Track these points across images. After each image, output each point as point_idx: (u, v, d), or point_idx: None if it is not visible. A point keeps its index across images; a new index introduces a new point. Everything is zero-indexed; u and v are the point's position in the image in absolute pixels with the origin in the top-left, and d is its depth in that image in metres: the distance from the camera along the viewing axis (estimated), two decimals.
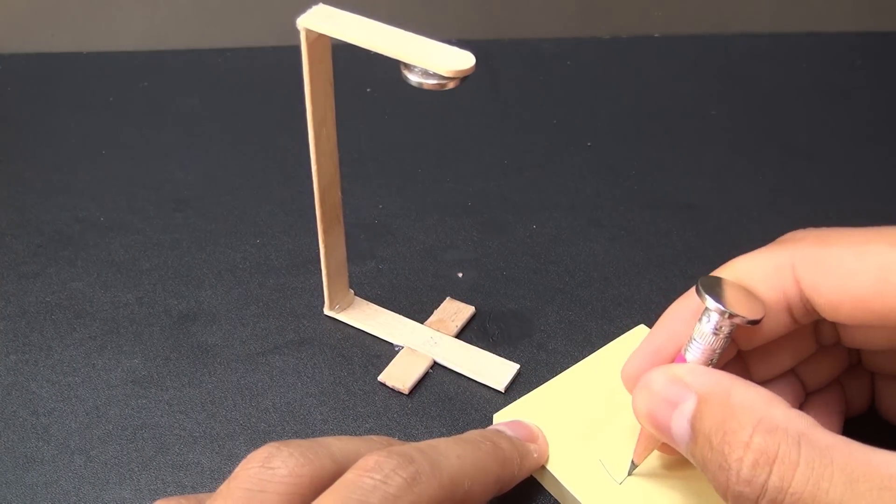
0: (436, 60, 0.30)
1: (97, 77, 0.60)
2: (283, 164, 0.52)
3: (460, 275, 0.45)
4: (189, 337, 0.41)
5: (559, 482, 0.33)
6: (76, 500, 0.35)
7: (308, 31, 0.32)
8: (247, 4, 0.65)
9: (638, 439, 0.32)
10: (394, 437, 0.36)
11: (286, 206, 0.49)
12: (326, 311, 0.42)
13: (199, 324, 0.42)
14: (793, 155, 0.54)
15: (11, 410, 0.38)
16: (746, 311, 0.29)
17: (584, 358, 0.38)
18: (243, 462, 0.27)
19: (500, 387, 0.39)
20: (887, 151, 0.54)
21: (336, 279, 0.41)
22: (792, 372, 0.34)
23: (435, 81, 0.31)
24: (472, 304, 0.43)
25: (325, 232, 0.39)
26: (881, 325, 0.28)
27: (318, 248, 0.39)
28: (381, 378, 0.39)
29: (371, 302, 0.43)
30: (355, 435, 0.34)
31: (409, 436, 0.37)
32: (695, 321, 0.30)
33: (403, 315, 0.42)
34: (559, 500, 0.34)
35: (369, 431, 0.37)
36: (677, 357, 0.30)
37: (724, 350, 0.29)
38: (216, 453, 0.36)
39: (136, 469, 0.36)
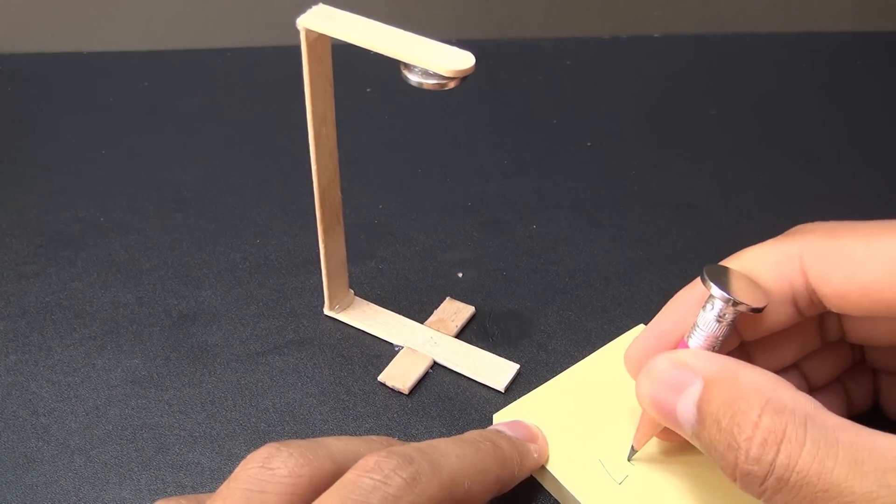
0: (436, 60, 0.30)
1: (97, 77, 0.60)
2: (283, 164, 0.52)
3: (460, 275, 0.45)
4: (189, 337, 0.41)
5: (559, 482, 0.33)
6: (76, 500, 0.35)
7: (308, 31, 0.32)
8: (247, 4, 0.65)
9: (638, 425, 0.33)
10: (394, 437, 0.36)
11: (286, 206, 0.49)
12: (326, 311, 0.42)
13: (199, 324, 0.42)
14: (793, 155, 0.54)
15: (11, 410, 0.38)
16: (749, 299, 0.29)
17: (584, 358, 0.38)
18: (243, 462, 0.27)
19: (500, 387, 0.39)
20: (887, 151, 0.54)
21: (336, 279, 0.41)
22: (795, 367, 0.34)
23: (435, 81, 0.31)
24: (472, 304, 0.43)
25: (325, 232, 0.39)
26: (888, 316, 0.28)
27: (318, 248, 0.39)
28: (381, 378, 0.39)
29: (371, 302, 0.43)
30: (355, 435, 0.34)
31: (409, 436, 0.37)
32: (699, 309, 0.30)
33: (403, 315, 0.42)
34: (559, 500, 0.34)
35: (369, 431, 0.37)
36: (680, 343, 0.30)
37: (726, 338, 0.30)
38: (216, 453, 0.36)
39: (136, 469, 0.36)
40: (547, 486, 0.34)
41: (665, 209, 0.49)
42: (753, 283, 0.30)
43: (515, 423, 0.34)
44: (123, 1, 0.64)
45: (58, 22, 0.64)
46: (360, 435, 0.34)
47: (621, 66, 0.62)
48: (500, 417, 0.36)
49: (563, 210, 0.49)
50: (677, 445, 0.34)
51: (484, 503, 0.30)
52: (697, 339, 0.30)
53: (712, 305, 0.29)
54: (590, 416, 0.35)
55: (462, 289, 0.44)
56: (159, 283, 0.44)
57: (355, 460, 0.27)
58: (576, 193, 0.50)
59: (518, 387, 0.39)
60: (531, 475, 0.34)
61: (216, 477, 0.35)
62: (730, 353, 0.31)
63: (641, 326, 0.39)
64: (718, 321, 0.29)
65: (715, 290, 0.29)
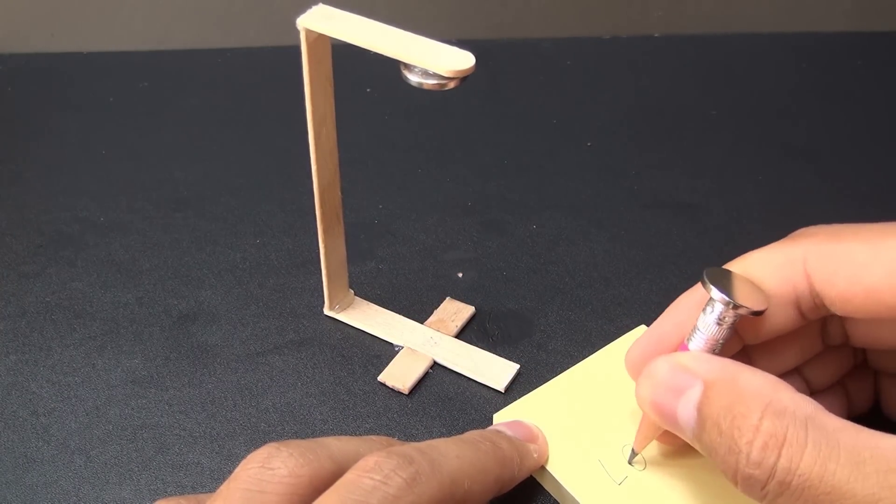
0: (436, 60, 0.30)
1: (97, 77, 0.60)
2: (283, 164, 0.52)
3: (460, 275, 0.45)
4: (189, 337, 0.41)
5: (559, 482, 0.33)
6: (76, 500, 0.35)
7: (308, 31, 0.32)
8: (247, 4, 0.65)
9: (639, 427, 0.32)
10: (394, 437, 0.36)
11: (286, 206, 0.49)
12: (326, 311, 0.42)
13: (199, 324, 0.42)
14: (793, 155, 0.54)
15: (11, 410, 0.38)
16: (750, 303, 0.29)
17: (584, 358, 0.38)
18: (243, 462, 0.27)
19: (500, 387, 0.39)
20: (887, 151, 0.54)
21: (336, 279, 0.41)
22: (797, 371, 0.34)
23: (435, 81, 0.31)
24: (472, 304, 0.43)
25: (325, 232, 0.39)
26: (892, 319, 0.28)
27: (318, 248, 0.39)
28: (381, 378, 0.39)
29: (371, 302, 0.43)
30: (355, 435, 0.34)
31: (409, 436, 0.37)
32: (700, 312, 0.30)
33: (403, 315, 0.42)
34: (559, 501, 0.34)
35: (369, 431, 0.37)
36: (680, 346, 0.30)
37: (726, 341, 0.30)
38: (216, 453, 0.36)
39: (136, 469, 0.36)
40: (547, 486, 0.34)
41: (665, 209, 0.49)
42: (754, 287, 0.30)
43: (515, 424, 0.34)
44: (123, 1, 0.64)
45: (58, 22, 0.64)
46: (360, 435, 0.34)
47: (621, 66, 0.62)
48: (500, 417, 0.36)
49: (563, 210, 0.49)
50: (676, 448, 0.34)
51: (484, 503, 0.30)
52: (697, 342, 0.30)
53: (712, 308, 0.29)
54: (590, 416, 0.35)
55: (462, 289, 0.44)
56: (159, 283, 0.44)
57: (355, 460, 0.27)
58: (576, 193, 0.50)
59: (518, 387, 0.39)
60: (531, 475, 0.34)
61: (216, 477, 0.35)
62: (732, 357, 0.31)
63: (643, 327, 0.39)
64: (718, 324, 0.29)
65: (715, 293, 0.29)
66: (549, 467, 0.33)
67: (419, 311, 0.42)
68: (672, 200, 0.50)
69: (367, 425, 0.37)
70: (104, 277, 0.45)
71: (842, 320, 0.32)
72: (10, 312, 0.43)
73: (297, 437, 0.34)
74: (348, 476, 0.27)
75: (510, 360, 0.40)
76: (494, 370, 0.39)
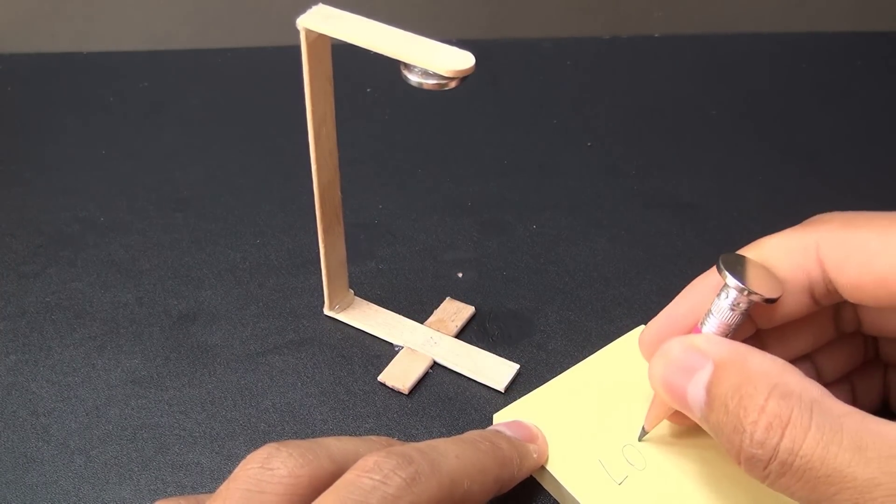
0: (436, 60, 0.30)
1: (97, 77, 0.60)
2: (283, 164, 0.52)
3: (460, 275, 0.45)
4: (189, 337, 0.41)
5: (559, 482, 0.33)
6: (76, 500, 0.35)
7: (308, 31, 0.32)
8: (247, 4, 0.65)
9: (650, 407, 0.33)
10: (394, 437, 0.36)
11: (286, 206, 0.49)
12: (326, 311, 0.42)
13: (199, 324, 0.42)
14: (793, 155, 0.54)
15: (11, 410, 0.38)
16: (764, 290, 0.29)
17: (584, 358, 0.38)
18: (242, 463, 0.27)
19: (500, 387, 0.39)
20: (887, 151, 0.54)
21: (336, 279, 0.41)
22: (808, 359, 0.34)
23: (435, 81, 0.31)
24: (472, 304, 0.43)
25: (325, 232, 0.39)
26: None
27: (318, 248, 0.39)
28: (380, 378, 0.39)
29: (371, 302, 0.43)
30: (355, 435, 0.34)
31: (408, 436, 0.37)
32: (714, 296, 0.30)
33: (403, 315, 0.42)
34: (559, 501, 0.34)
35: (369, 431, 0.37)
36: (694, 329, 0.31)
37: (739, 326, 0.30)
38: (216, 453, 0.36)
39: (136, 469, 0.36)
40: (547, 486, 0.34)
41: (665, 209, 0.49)
42: (769, 273, 0.30)
43: (515, 424, 0.34)
44: (123, 1, 0.64)
45: (58, 22, 0.64)
46: (360, 435, 0.34)
47: (621, 66, 0.62)
48: (500, 417, 0.36)
49: (563, 210, 0.49)
50: (677, 444, 0.34)
51: (483, 503, 0.30)
52: (711, 326, 0.30)
53: (726, 294, 0.30)
54: (590, 416, 0.35)
55: (462, 289, 0.44)
56: (159, 283, 0.44)
57: (355, 460, 0.27)
58: (576, 193, 0.50)
59: (518, 387, 0.39)
60: (531, 475, 0.34)
61: (216, 477, 0.35)
62: (744, 341, 0.32)
63: (643, 327, 0.39)
64: (732, 309, 0.29)
65: (730, 280, 0.29)
66: (549, 467, 0.33)
67: (419, 311, 0.42)
68: (672, 200, 0.50)
69: (367, 425, 0.37)
70: (104, 277, 0.45)
71: (855, 307, 0.32)
72: (10, 312, 0.43)
73: (296, 437, 0.34)
74: (348, 476, 0.27)
75: (510, 360, 0.40)
76: (494, 370, 0.39)
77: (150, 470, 0.36)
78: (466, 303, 0.43)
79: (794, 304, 0.31)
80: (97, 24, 0.65)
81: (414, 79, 0.31)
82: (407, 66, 0.31)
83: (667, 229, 0.48)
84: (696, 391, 0.28)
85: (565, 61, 0.62)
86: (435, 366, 0.40)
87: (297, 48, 0.33)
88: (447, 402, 0.38)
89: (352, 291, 0.43)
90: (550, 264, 0.46)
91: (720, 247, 0.46)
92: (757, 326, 0.32)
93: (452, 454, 0.29)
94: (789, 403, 0.25)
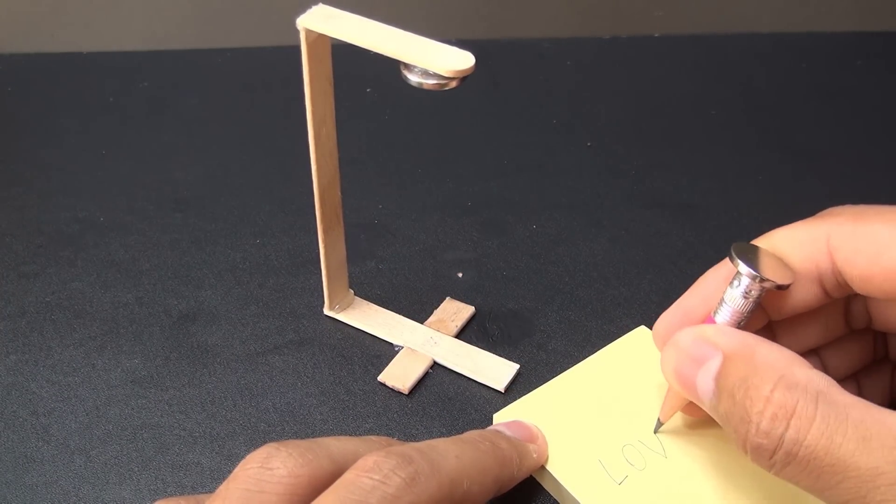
0: (436, 60, 0.30)
1: (97, 77, 0.60)
2: (283, 164, 0.52)
3: (460, 275, 0.45)
4: (189, 337, 0.41)
5: (558, 482, 0.33)
6: (76, 500, 0.35)
7: (308, 31, 0.32)
8: (247, 4, 0.65)
9: (665, 398, 0.33)
10: (393, 437, 0.36)
11: (286, 206, 0.49)
12: (326, 311, 0.42)
13: (199, 324, 0.42)
14: (793, 155, 0.54)
15: (11, 410, 0.38)
16: (775, 276, 0.29)
17: (584, 358, 0.38)
18: (242, 462, 0.27)
19: (500, 387, 0.39)
20: (887, 151, 0.54)
21: (336, 279, 0.41)
22: (817, 355, 0.34)
23: (435, 81, 0.31)
24: (472, 304, 0.43)
25: (325, 232, 0.39)
26: None
27: (318, 248, 0.39)
28: (381, 378, 0.39)
29: (371, 302, 0.43)
30: (355, 435, 0.34)
31: (408, 436, 0.37)
32: (726, 285, 0.30)
33: (403, 315, 0.42)
34: (559, 501, 0.34)
35: (369, 431, 0.37)
36: (707, 319, 0.31)
37: (751, 314, 0.30)
38: (216, 453, 0.36)
39: (136, 469, 0.36)
40: (547, 486, 0.34)
41: (665, 209, 0.49)
42: (780, 262, 0.30)
43: (515, 424, 0.34)
44: (123, 1, 0.64)
45: (58, 22, 0.64)
46: (360, 435, 0.34)
47: (621, 66, 0.62)
48: (500, 417, 0.36)
49: (563, 210, 0.49)
50: (676, 444, 0.34)
51: (483, 503, 0.30)
52: (724, 315, 0.30)
53: (739, 282, 0.30)
54: (590, 416, 0.35)
55: (462, 289, 0.44)
56: (159, 283, 0.44)
57: (354, 460, 0.27)
58: (576, 193, 0.50)
59: (518, 387, 0.39)
60: (531, 475, 0.34)
61: (216, 477, 0.35)
62: (756, 333, 0.32)
63: (643, 327, 0.39)
64: (745, 297, 0.30)
65: (742, 267, 0.29)
66: (549, 467, 0.33)
67: (419, 311, 0.42)
68: (672, 200, 0.50)
69: (367, 425, 0.37)
70: (104, 277, 0.45)
71: (865, 301, 0.32)
72: (10, 312, 0.43)
73: (296, 437, 0.34)
74: (347, 476, 0.27)
75: (510, 360, 0.40)
76: (494, 370, 0.39)
77: (150, 470, 0.36)
78: (466, 303, 0.43)
79: (805, 294, 0.31)
80: (97, 24, 0.65)
81: (414, 79, 0.31)
82: (407, 66, 0.31)
83: (667, 229, 0.48)
84: (705, 381, 0.28)
85: (565, 61, 0.62)
86: (435, 366, 0.40)
87: (297, 48, 0.33)
88: (447, 402, 0.38)
89: (352, 291, 0.43)
90: (550, 264, 0.46)
91: (720, 247, 0.46)
92: (769, 317, 0.32)
93: (452, 454, 0.29)
94: (794, 394, 0.26)
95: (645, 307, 0.43)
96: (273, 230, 0.48)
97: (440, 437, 0.32)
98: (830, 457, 0.25)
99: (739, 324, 0.30)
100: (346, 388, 0.39)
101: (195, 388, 0.39)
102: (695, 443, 0.34)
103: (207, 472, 0.36)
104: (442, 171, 0.52)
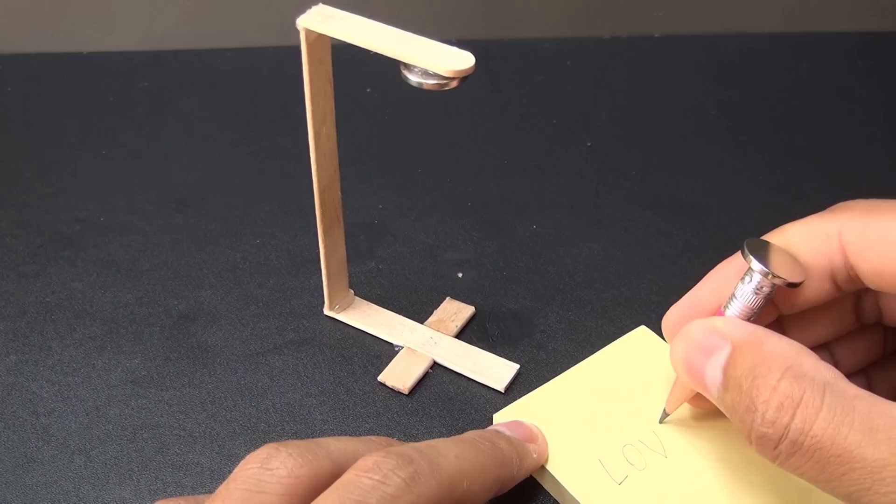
0: (436, 60, 0.30)
1: (97, 77, 0.60)
2: (283, 164, 0.52)
3: (460, 275, 0.45)
4: (189, 337, 0.41)
5: (559, 482, 0.33)
6: (76, 500, 0.35)
7: (308, 31, 0.32)
8: (247, 4, 0.65)
9: (671, 389, 0.33)
10: (394, 437, 0.36)
11: (286, 206, 0.49)
12: (326, 311, 0.42)
13: (199, 324, 0.42)
14: (793, 155, 0.54)
15: (11, 410, 0.38)
16: (787, 274, 0.29)
17: (584, 358, 0.38)
18: (242, 463, 0.27)
19: (500, 387, 0.39)
20: (887, 151, 0.54)
21: (336, 279, 0.41)
22: (827, 349, 0.34)
23: (435, 81, 0.31)
24: (472, 304, 0.43)
25: (325, 232, 0.39)
26: None
27: (318, 248, 0.39)
28: (381, 378, 0.39)
29: (371, 302, 0.43)
30: (355, 435, 0.34)
31: (408, 436, 0.37)
32: (738, 280, 0.30)
33: (403, 315, 0.42)
34: (559, 501, 0.34)
35: (369, 431, 0.37)
36: (717, 312, 0.31)
37: (762, 310, 0.30)
38: (216, 453, 0.36)
39: (136, 469, 0.36)
40: (547, 486, 0.34)
41: (665, 209, 0.49)
42: (792, 258, 0.30)
43: (515, 424, 0.34)
44: (123, 1, 0.64)
45: (58, 22, 0.64)
46: (360, 435, 0.34)
47: (621, 66, 0.62)
48: (500, 417, 0.36)
49: (563, 210, 0.49)
50: (676, 444, 0.34)
51: (483, 503, 0.30)
52: (734, 309, 0.30)
53: (750, 278, 0.30)
54: (590, 416, 0.35)
55: (462, 289, 0.44)
56: (159, 283, 0.44)
57: (354, 460, 0.27)
58: (576, 193, 0.50)
59: (518, 387, 0.39)
60: (531, 475, 0.34)
61: (216, 477, 0.35)
62: (766, 326, 0.32)
63: (643, 327, 0.39)
64: (756, 293, 0.30)
65: (754, 264, 0.29)
66: (549, 467, 0.33)
67: (419, 311, 0.42)
68: (672, 200, 0.50)
69: (367, 425, 0.37)
70: (104, 277, 0.45)
71: (876, 296, 0.33)
72: (10, 312, 0.43)
73: (296, 438, 0.34)
74: (347, 476, 0.27)
75: (510, 360, 0.40)
76: (494, 370, 0.39)
77: (150, 470, 0.36)
78: (466, 303, 0.43)
79: (816, 289, 0.31)
80: (97, 24, 0.65)
81: (414, 79, 0.31)
82: (407, 66, 0.31)
83: (667, 229, 0.48)
84: (713, 372, 0.28)
85: (565, 61, 0.62)
86: (435, 366, 0.40)
87: (297, 48, 0.33)
88: (447, 402, 0.38)
89: (352, 291, 0.43)
90: (550, 264, 0.46)
91: (720, 247, 0.46)
92: (779, 312, 0.32)
93: (452, 454, 0.29)
94: (801, 384, 0.26)
95: (645, 307, 0.43)
96: (273, 230, 0.48)
97: (440, 437, 0.32)
98: (836, 447, 0.25)
99: (749, 319, 0.30)
100: (346, 388, 0.39)
101: (195, 388, 0.39)
102: (695, 443, 0.34)
103: (207, 472, 0.36)
104: (442, 171, 0.52)
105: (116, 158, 0.53)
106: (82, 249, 0.46)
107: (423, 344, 0.40)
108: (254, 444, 0.29)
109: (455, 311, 0.42)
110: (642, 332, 0.39)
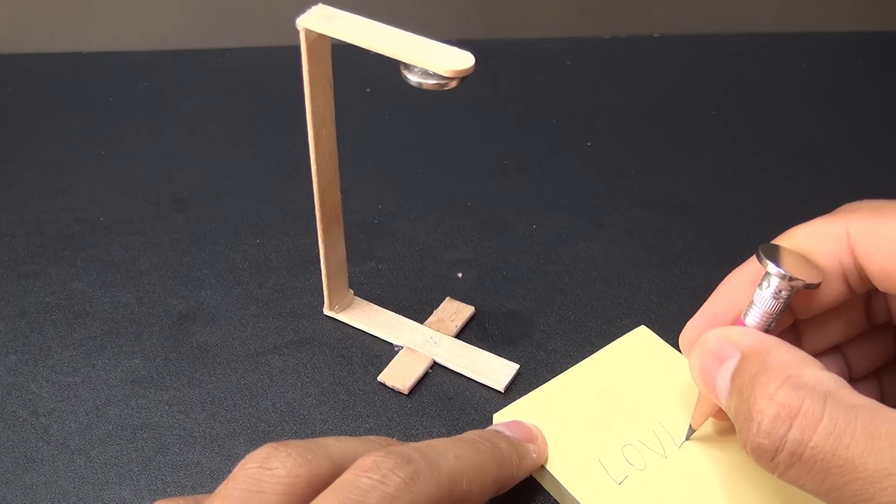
0: (436, 60, 0.30)
1: (97, 77, 0.60)
2: (283, 164, 0.52)
3: (460, 275, 0.45)
4: (189, 337, 0.41)
5: (558, 482, 0.33)
6: (76, 500, 0.35)
7: (308, 31, 0.32)
8: (247, 4, 0.65)
9: (696, 405, 0.33)
10: (393, 437, 0.36)
11: (286, 206, 0.49)
12: (326, 311, 0.42)
13: (199, 324, 0.42)
14: (793, 155, 0.54)
15: (11, 410, 0.38)
16: (805, 276, 0.29)
17: (584, 358, 0.38)
18: (241, 462, 0.27)
19: (500, 387, 0.39)
20: (887, 151, 0.54)
21: (336, 279, 0.41)
22: (839, 352, 0.34)
23: (435, 81, 0.31)
24: (472, 304, 0.43)
25: (324, 232, 0.39)
26: None
27: (318, 248, 0.39)
28: (380, 378, 0.39)
29: (371, 302, 0.43)
30: (355, 435, 0.34)
31: (408, 436, 0.37)
32: (752, 289, 0.30)
33: (403, 315, 0.42)
34: (559, 501, 0.34)
35: (369, 431, 0.37)
36: (737, 322, 0.31)
37: (781, 315, 0.30)
38: (216, 453, 0.36)
39: (136, 469, 0.36)
40: (546, 486, 0.34)
41: (665, 209, 0.49)
42: (806, 261, 0.30)
43: (515, 424, 0.34)
44: (123, 1, 0.64)
45: (58, 22, 0.64)
46: (360, 435, 0.34)
47: (621, 66, 0.62)
48: (500, 417, 0.36)
49: (563, 210, 0.49)
50: (676, 444, 0.34)
51: (482, 503, 0.30)
52: (754, 317, 0.30)
53: (769, 283, 0.30)
54: (590, 416, 0.35)
55: (462, 289, 0.44)
56: (159, 283, 0.44)
57: (354, 460, 0.27)
58: (576, 193, 0.50)
59: (518, 387, 0.39)
60: (531, 475, 0.34)
61: (216, 477, 0.35)
62: (783, 333, 0.32)
63: (643, 327, 0.39)
64: (775, 298, 0.30)
65: (771, 268, 0.29)
66: (549, 467, 0.33)
67: (419, 311, 0.42)
68: (672, 200, 0.50)
69: (367, 425, 0.37)
70: (104, 277, 0.45)
71: (885, 297, 0.33)
72: (10, 312, 0.43)
73: (296, 437, 0.34)
74: (346, 475, 0.27)
75: (510, 360, 0.40)
76: (494, 370, 0.39)
77: (150, 470, 0.36)
78: (466, 303, 0.43)
79: (830, 291, 0.31)
80: (97, 24, 0.65)
81: (414, 79, 0.31)
82: (407, 66, 0.31)
83: (667, 229, 0.48)
84: (723, 379, 0.28)
85: (565, 61, 0.62)
86: (435, 366, 0.40)
87: (297, 48, 0.33)
88: (447, 402, 0.38)
89: (352, 291, 0.43)
90: (550, 264, 0.46)
91: (720, 247, 0.46)
92: (795, 316, 0.32)
93: (451, 454, 0.29)
94: (800, 394, 0.25)
95: (645, 307, 0.43)
96: (273, 230, 0.48)
97: (440, 437, 0.32)
98: (838, 458, 0.24)
99: (770, 325, 0.30)
100: (346, 388, 0.39)
101: (195, 388, 0.39)
102: (695, 443, 0.34)
103: (207, 472, 0.36)
104: (442, 171, 0.52)
105: (116, 158, 0.53)
106: (82, 249, 0.46)
107: (422, 344, 0.40)
108: (254, 444, 0.29)
109: (455, 311, 0.42)
110: (642, 332, 0.39)
